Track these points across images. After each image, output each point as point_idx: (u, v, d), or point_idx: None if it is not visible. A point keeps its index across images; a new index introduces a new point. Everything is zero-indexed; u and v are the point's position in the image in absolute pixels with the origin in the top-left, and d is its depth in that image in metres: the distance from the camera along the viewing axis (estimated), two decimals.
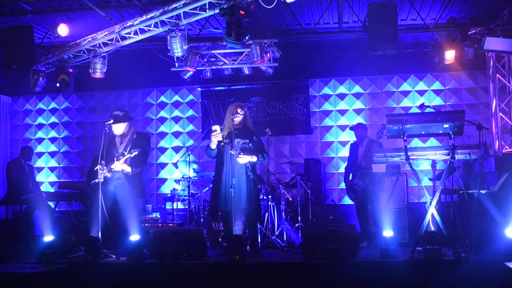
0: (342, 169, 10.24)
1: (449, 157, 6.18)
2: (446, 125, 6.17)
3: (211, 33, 9.62)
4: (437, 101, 10.40)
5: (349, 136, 10.35)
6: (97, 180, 6.70)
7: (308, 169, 10.00)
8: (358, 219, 8.64)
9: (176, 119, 11.25)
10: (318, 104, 10.85)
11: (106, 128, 6.83)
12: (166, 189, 10.90)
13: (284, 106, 10.88)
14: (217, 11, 7.41)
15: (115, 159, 6.73)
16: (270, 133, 7.30)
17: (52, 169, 11.52)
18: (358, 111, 10.68)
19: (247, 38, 7.28)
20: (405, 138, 6.30)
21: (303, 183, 9.04)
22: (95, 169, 6.76)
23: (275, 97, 10.94)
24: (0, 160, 11.09)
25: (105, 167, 6.69)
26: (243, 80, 10.55)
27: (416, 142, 9.72)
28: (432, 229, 6.20)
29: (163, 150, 11.21)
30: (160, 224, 8.67)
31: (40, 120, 11.70)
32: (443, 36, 9.21)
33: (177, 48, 8.12)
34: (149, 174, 11.06)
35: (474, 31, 8.93)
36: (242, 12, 6.96)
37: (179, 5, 7.84)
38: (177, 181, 9.83)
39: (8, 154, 11.41)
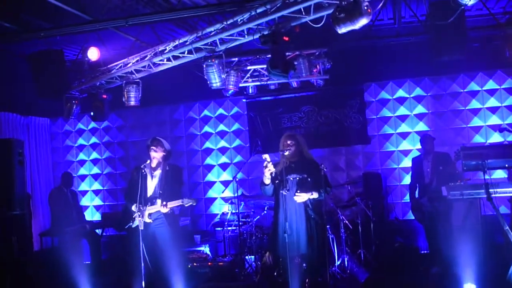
0: (404, 181, 9.33)
1: None
2: None
3: (253, 45, 8.69)
4: (510, 100, 9.18)
5: (411, 144, 9.38)
6: (133, 225, 6.17)
7: (367, 186, 9.09)
8: (428, 242, 7.92)
9: (222, 134, 10.45)
10: (375, 110, 9.75)
11: (143, 167, 6.22)
12: (215, 209, 10.23)
13: (338, 114, 9.81)
14: (257, 36, 6.38)
15: (160, 203, 6.13)
16: (325, 169, 6.36)
17: (96, 192, 10.97)
18: (420, 116, 9.54)
19: (295, 69, 6.24)
20: (485, 172, 5.40)
21: (363, 203, 8.25)
22: (132, 209, 6.23)
23: (327, 105, 9.85)
24: (42, 185, 10.64)
25: (144, 212, 6.14)
26: (291, 88, 9.48)
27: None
28: None
29: (209, 167, 10.44)
30: (210, 263, 7.97)
31: (80, 141, 11.12)
32: None
33: (215, 78, 7.07)
34: (197, 194, 10.33)
35: None
36: (287, 39, 5.80)
37: (213, 31, 6.88)
38: (226, 200, 9.18)
39: (51, 178, 10.97)
